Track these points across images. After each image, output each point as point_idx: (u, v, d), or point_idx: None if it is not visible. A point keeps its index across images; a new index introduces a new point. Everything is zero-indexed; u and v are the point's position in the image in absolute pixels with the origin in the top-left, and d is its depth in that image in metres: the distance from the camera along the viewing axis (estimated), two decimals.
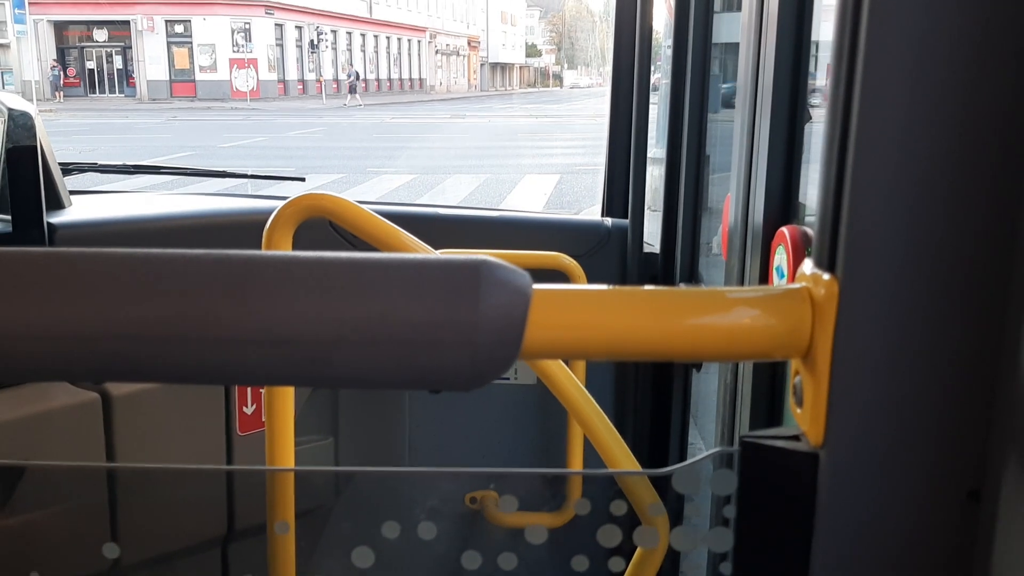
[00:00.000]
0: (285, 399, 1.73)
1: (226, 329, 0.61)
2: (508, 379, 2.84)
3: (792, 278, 0.71)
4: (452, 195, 13.99)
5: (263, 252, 0.65)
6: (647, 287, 0.70)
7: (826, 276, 0.67)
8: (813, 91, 1.64)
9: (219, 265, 0.63)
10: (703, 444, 2.60)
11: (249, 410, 2.53)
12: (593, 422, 1.71)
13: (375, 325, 0.61)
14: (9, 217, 2.18)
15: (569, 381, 1.74)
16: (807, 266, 0.70)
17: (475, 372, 0.64)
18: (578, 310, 0.67)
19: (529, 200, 13.44)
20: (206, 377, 0.65)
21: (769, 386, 1.69)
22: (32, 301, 0.62)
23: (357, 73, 45.38)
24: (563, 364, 1.75)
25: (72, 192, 2.57)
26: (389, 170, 16.57)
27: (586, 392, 1.73)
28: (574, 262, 2.52)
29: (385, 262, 0.64)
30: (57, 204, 2.43)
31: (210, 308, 0.62)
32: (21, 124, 2.21)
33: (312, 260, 0.64)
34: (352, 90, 42.46)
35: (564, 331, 0.67)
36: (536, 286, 0.65)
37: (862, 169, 0.65)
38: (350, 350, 0.62)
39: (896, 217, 0.65)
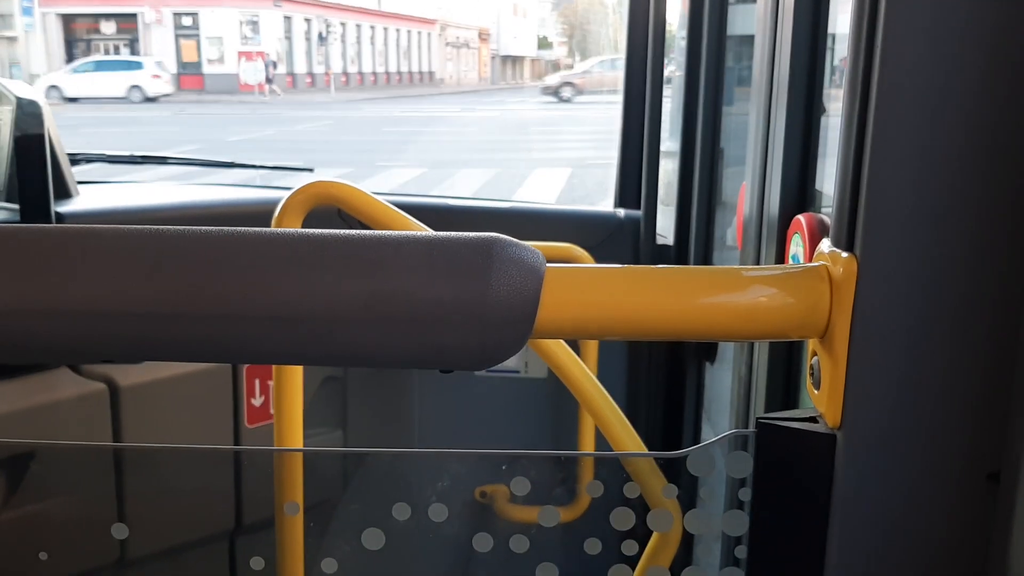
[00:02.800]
0: (294, 387, 1.72)
1: (234, 306, 0.61)
2: (518, 372, 2.84)
3: None
4: (462, 189, 13.98)
5: (273, 230, 0.64)
6: (662, 266, 0.69)
7: (844, 255, 0.66)
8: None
9: (229, 242, 0.63)
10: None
11: (257, 402, 2.52)
12: (605, 413, 1.70)
13: (385, 302, 0.61)
14: (17, 206, 2.18)
15: (581, 372, 1.72)
16: (825, 245, 0.69)
17: (486, 351, 0.63)
18: (592, 289, 0.66)
19: (540, 195, 13.43)
20: (215, 355, 0.64)
21: (784, 377, 1.68)
22: (42, 278, 0.61)
23: (274, 63, 44.12)
24: (575, 355, 1.74)
25: (80, 183, 2.57)
26: (399, 164, 16.56)
27: (597, 383, 1.73)
28: (586, 253, 2.51)
29: (396, 239, 0.63)
30: (65, 193, 2.42)
31: (219, 285, 0.61)
32: (29, 112, 2.21)
33: (321, 237, 0.63)
34: (269, 80, 41.69)
35: (578, 310, 0.66)
36: (549, 265, 0.64)
37: (881, 148, 0.64)
38: (359, 327, 0.61)
39: (915, 195, 0.64)
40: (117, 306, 0.61)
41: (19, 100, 2.22)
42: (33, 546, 0.96)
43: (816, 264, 0.68)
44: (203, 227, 0.64)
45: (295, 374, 1.72)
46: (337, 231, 0.63)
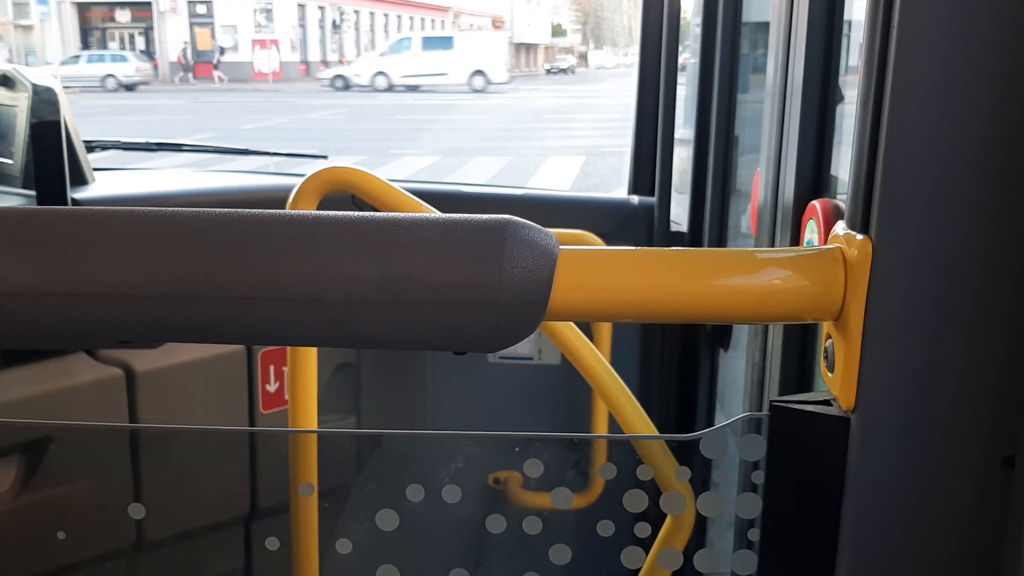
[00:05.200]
0: (308, 371, 1.73)
1: (250, 288, 0.61)
2: (531, 359, 2.84)
3: None
4: (475, 177, 13.96)
5: (288, 212, 0.64)
6: (676, 248, 0.69)
7: (859, 237, 0.66)
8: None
9: (245, 224, 0.63)
10: None
11: (272, 388, 2.53)
12: (618, 399, 1.70)
13: (399, 284, 0.61)
14: (34, 192, 2.19)
15: (594, 357, 1.72)
16: (840, 227, 0.69)
17: (500, 333, 0.63)
18: (606, 271, 0.66)
19: (554, 182, 13.42)
20: (230, 337, 0.65)
21: (797, 362, 1.68)
22: (59, 260, 0.62)
23: (222, 48, 43.34)
24: (588, 341, 1.74)
25: (96, 169, 2.58)
26: (412, 152, 16.55)
27: (610, 368, 1.73)
28: (599, 240, 2.50)
29: (410, 221, 0.63)
30: (81, 180, 2.43)
31: (234, 267, 0.61)
32: (45, 99, 2.22)
33: (336, 220, 0.63)
34: (217, 66, 41.39)
35: (591, 292, 0.66)
36: (563, 247, 0.64)
37: (897, 129, 0.64)
38: (374, 309, 0.61)
39: (930, 177, 0.64)
40: (133, 288, 0.61)
41: (35, 87, 2.23)
42: (52, 526, 0.97)
43: (831, 246, 0.68)
44: (218, 210, 0.64)
45: (309, 359, 1.73)
46: (352, 213, 0.63)
